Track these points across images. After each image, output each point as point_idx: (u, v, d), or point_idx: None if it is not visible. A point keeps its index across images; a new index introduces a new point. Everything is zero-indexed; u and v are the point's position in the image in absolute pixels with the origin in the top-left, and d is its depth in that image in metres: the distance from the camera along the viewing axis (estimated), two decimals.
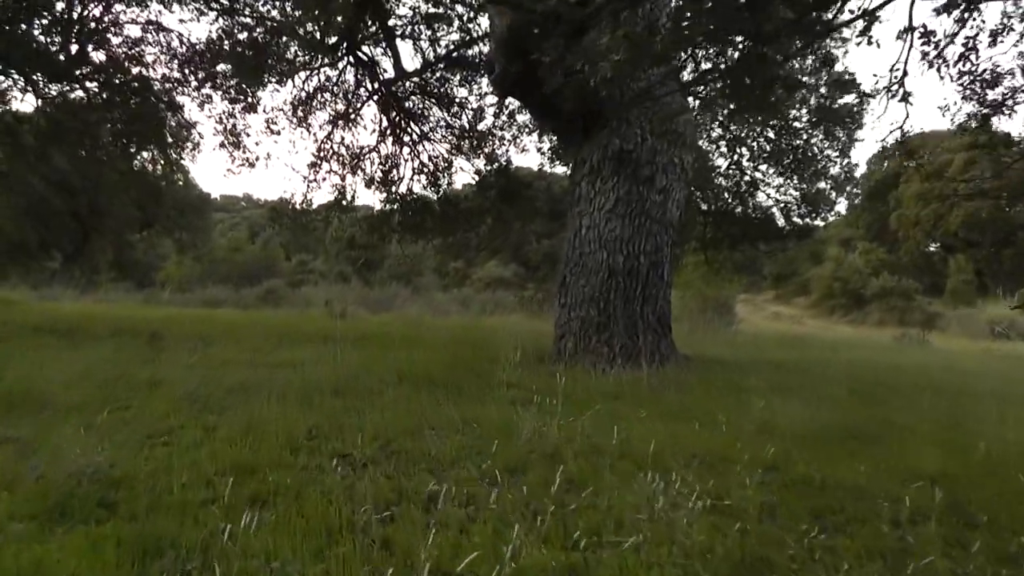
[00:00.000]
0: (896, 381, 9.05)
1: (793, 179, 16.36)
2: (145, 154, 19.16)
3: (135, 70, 14.86)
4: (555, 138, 11.26)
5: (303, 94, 17.20)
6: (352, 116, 18.30)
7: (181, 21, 16.01)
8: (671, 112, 8.78)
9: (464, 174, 17.95)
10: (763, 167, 16.65)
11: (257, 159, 16.96)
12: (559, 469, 3.77)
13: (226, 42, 14.56)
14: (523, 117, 16.76)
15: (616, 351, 8.99)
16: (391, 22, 16.51)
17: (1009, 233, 45.94)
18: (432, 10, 16.31)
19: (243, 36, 14.64)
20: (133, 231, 30.07)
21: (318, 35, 16.06)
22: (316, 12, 13.43)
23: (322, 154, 18.16)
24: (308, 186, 18.07)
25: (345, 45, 16.78)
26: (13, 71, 12.34)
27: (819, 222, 16.14)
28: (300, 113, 17.47)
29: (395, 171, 18.89)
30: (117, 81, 14.99)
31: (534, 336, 12.00)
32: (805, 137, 16.37)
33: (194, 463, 3.91)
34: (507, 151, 17.74)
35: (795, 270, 48.04)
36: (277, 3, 14.29)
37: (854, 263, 35.59)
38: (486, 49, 16.65)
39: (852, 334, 24.16)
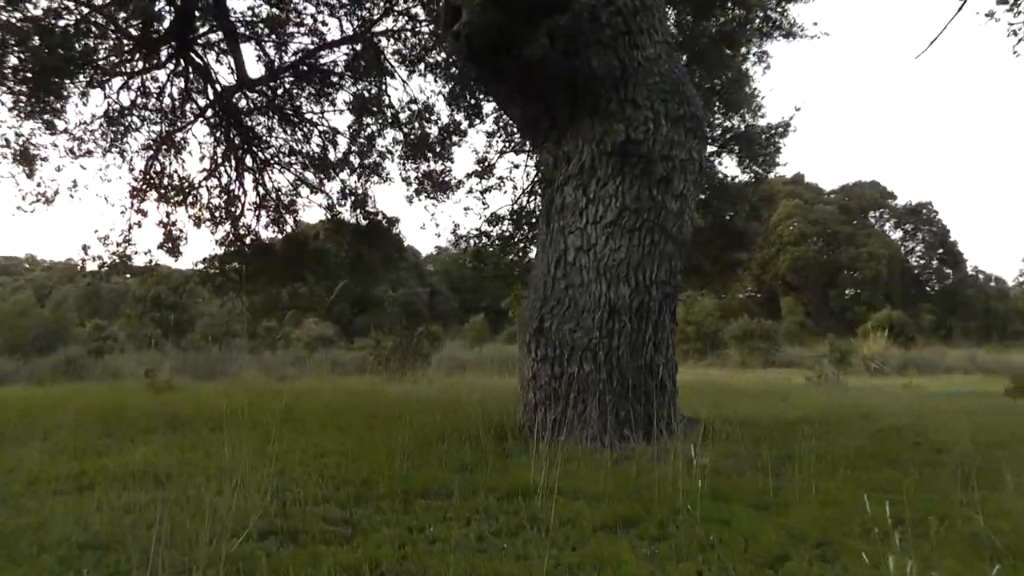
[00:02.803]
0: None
1: (708, 211, 14.92)
2: None
3: None
4: (520, 130, 8.65)
5: (118, 106, 13.47)
6: (179, 135, 14.68)
7: None
8: (689, 91, 6.51)
9: (317, 209, 15.04)
10: None
11: (56, 193, 12.99)
12: None
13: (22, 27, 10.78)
14: (384, 141, 14.34)
15: (621, 419, 6.43)
16: (232, 17, 13.32)
17: (832, 275, 49.53)
18: (275, 11, 13.38)
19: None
20: None
21: (140, 27, 12.59)
22: None
23: (143, 183, 14.38)
24: (128, 224, 14.22)
25: (173, 44, 13.28)
26: None
27: (744, 255, 14.64)
28: (115, 130, 13.70)
29: (234, 205, 15.41)
30: None
31: (452, 401, 9.13)
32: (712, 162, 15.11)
33: None
34: (367, 181, 15.10)
35: None
36: None
37: (705, 306, 35.64)
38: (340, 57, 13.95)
39: (734, 376, 23.25)
